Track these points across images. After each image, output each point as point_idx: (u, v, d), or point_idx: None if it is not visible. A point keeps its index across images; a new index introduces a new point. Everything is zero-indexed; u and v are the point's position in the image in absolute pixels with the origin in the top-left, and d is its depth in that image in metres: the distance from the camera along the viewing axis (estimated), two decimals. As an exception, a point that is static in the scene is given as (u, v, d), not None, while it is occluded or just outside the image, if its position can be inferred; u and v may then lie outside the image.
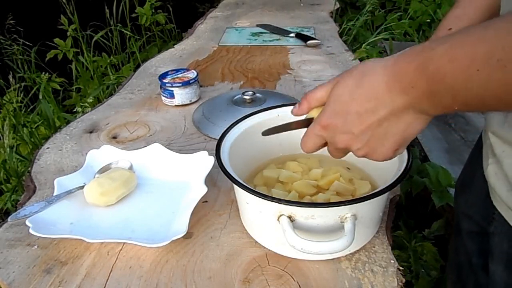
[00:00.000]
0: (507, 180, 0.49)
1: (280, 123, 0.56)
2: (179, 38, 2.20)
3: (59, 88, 2.15)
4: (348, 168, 0.70)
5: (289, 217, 0.53)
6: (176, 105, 1.04)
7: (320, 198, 0.63)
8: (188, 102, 1.04)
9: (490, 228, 0.54)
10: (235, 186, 0.58)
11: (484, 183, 0.54)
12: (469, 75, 0.35)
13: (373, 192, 0.54)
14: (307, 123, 0.52)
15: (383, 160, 0.48)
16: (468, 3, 0.63)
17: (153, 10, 2.41)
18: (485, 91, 0.35)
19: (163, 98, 1.05)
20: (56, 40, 2.18)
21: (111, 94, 1.24)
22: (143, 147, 0.79)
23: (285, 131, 0.55)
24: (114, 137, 0.93)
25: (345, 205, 0.52)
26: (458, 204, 0.69)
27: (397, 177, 0.55)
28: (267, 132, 0.56)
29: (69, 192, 0.68)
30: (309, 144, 0.50)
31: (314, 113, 0.51)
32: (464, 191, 0.66)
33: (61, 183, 0.70)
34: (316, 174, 0.68)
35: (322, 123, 0.48)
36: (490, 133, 0.53)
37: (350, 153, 0.71)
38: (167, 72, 1.07)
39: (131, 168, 0.76)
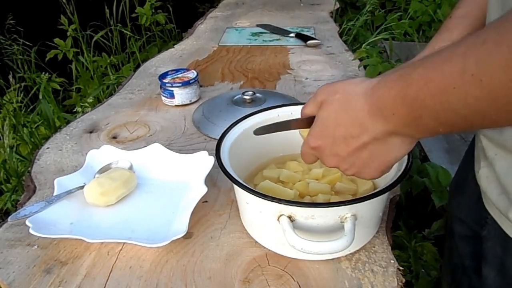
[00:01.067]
0: (499, 183, 0.48)
1: (274, 122, 0.57)
2: (179, 38, 2.20)
3: (59, 88, 2.16)
4: (348, 168, 0.70)
5: (289, 217, 0.53)
6: (176, 105, 1.04)
7: (320, 198, 0.63)
8: (188, 102, 1.04)
9: (483, 232, 0.54)
10: (235, 186, 0.58)
11: (476, 186, 0.54)
12: (447, 95, 0.34)
13: (373, 192, 0.54)
14: (299, 124, 0.53)
15: (370, 179, 0.49)
16: (471, 2, 0.63)
17: (153, 10, 2.41)
18: (467, 109, 0.34)
19: (163, 98, 1.05)
20: (56, 40, 2.18)
21: (111, 94, 1.24)
22: (143, 147, 0.79)
23: (278, 131, 0.56)
24: (114, 137, 0.93)
25: (345, 205, 0.52)
26: (451, 206, 0.69)
27: (397, 177, 0.55)
28: (259, 131, 0.57)
29: (69, 192, 0.68)
30: (307, 160, 0.52)
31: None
32: (456, 194, 0.66)
33: (61, 183, 0.70)
34: (317, 174, 0.68)
35: (311, 144, 0.49)
36: (481, 136, 0.52)
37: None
38: (167, 72, 1.07)
39: (131, 168, 0.76)
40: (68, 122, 1.04)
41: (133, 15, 2.41)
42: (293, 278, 0.56)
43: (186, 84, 1.02)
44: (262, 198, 0.53)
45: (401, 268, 0.57)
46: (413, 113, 0.38)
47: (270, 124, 0.56)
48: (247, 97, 0.95)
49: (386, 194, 0.57)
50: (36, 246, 0.63)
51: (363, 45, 1.61)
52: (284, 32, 1.57)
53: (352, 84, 0.45)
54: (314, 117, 0.51)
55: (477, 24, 0.61)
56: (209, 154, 0.73)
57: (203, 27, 1.74)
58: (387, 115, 0.41)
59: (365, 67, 1.23)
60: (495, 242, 0.51)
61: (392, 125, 0.41)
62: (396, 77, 0.40)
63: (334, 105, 0.45)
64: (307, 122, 0.52)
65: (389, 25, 2.16)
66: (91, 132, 0.95)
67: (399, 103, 0.39)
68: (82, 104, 1.85)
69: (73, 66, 2.25)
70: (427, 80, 0.36)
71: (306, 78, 1.18)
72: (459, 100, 0.34)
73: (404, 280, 0.56)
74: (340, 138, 0.45)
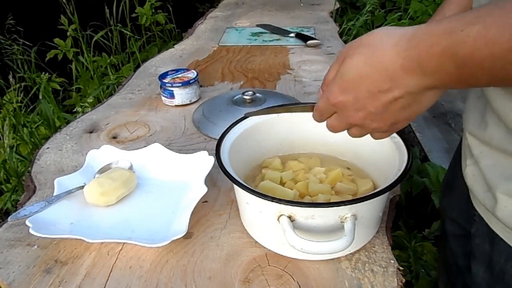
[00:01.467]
0: (485, 181, 0.49)
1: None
2: (179, 38, 2.20)
3: (59, 88, 2.16)
4: (348, 168, 0.70)
5: (289, 217, 0.53)
6: (176, 105, 1.04)
7: (320, 198, 0.63)
8: (188, 102, 1.04)
9: (472, 229, 0.54)
10: (235, 186, 0.58)
11: (465, 185, 0.54)
12: None
13: (373, 192, 0.54)
14: (295, 108, 0.53)
15: (395, 131, 0.48)
16: None
17: (153, 10, 2.41)
18: None
19: (163, 98, 1.05)
20: (56, 40, 2.18)
21: (111, 94, 1.24)
22: (143, 147, 0.79)
23: (269, 113, 0.54)
24: (114, 137, 0.92)
25: (345, 205, 0.52)
26: (442, 206, 0.69)
27: (397, 177, 0.55)
28: (251, 114, 0.56)
29: (69, 192, 0.68)
30: (324, 116, 0.49)
31: None
32: (447, 194, 0.66)
33: (61, 183, 0.70)
34: (318, 172, 0.68)
35: (331, 100, 0.46)
36: (467, 133, 0.52)
37: (351, 154, 0.72)
38: (167, 72, 1.07)
39: (131, 168, 0.76)
40: (68, 122, 1.04)
41: (133, 15, 2.41)
42: (293, 278, 0.56)
43: (186, 84, 1.02)
44: (262, 198, 0.53)
45: (401, 268, 0.57)
46: (464, 72, 0.36)
47: (263, 109, 0.55)
48: (247, 97, 0.94)
49: (386, 194, 0.57)
50: (36, 246, 0.63)
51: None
52: (284, 32, 1.57)
53: (377, 36, 0.41)
54: (311, 103, 0.50)
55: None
56: (209, 154, 0.73)
57: (203, 27, 1.74)
58: (428, 72, 0.38)
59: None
60: (483, 239, 0.52)
61: (433, 81, 0.39)
62: (441, 31, 0.36)
63: (356, 58, 0.42)
64: (303, 107, 0.52)
65: (389, 25, 2.16)
66: (91, 132, 0.95)
67: (446, 61, 0.36)
68: (82, 104, 1.85)
69: (73, 66, 2.25)
70: (488, 41, 0.33)
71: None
72: None
73: (404, 280, 0.56)
74: (366, 92, 0.42)
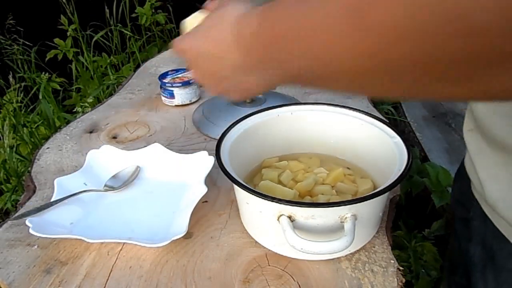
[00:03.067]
0: (472, 163, 0.49)
1: None
2: (179, 38, 2.19)
3: (59, 88, 2.16)
4: (348, 168, 0.70)
5: (289, 217, 0.53)
6: (176, 105, 1.04)
7: (320, 198, 0.63)
8: (188, 102, 1.04)
9: (470, 214, 0.54)
10: (235, 186, 0.58)
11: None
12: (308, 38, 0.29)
13: (373, 192, 0.54)
14: None
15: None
16: None
17: (153, 10, 2.41)
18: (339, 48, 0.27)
19: (163, 98, 1.05)
20: (56, 40, 2.18)
21: (111, 94, 1.24)
22: (143, 147, 0.79)
23: None
24: (114, 137, 0.92)
25: (345, 205, 0.52)
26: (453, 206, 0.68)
27: (397, 177, 0.55)
28: None
29: (75, 194, 0.68)
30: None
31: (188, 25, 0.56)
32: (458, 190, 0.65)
33: (61, 183, 0.70)
34: (320, 172, 0.68)
35: (178, 44, 0.48)
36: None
37: (350, 154, 0.72)
38: (167, 72, 1.07)
39: (138, 171, 0.75)
40: (68, 122, 1.04)
41: (133, 15, 2.41)
42: (293, 278, 0.56)
43: (186, 84, 1.02)
44: (262, 198, 0.53)
45: (401, 268, 0.57)
46: (268, 54, 0.34)
47: None
48: (247, 97, 0.95)
49: (386, 194, 0.57)
50: (36, 246, 0.63)
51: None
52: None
53: (233, 5, 0.41)
54: None
55: None
56: (209, 154, 0.73)
57: (203, 27, 1.73)
58: (243, 51, 0.38)
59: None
60: (480, 221, 0.51)
61: (247, 62, 0.38)
62: (258, 11, 0.35)
63: (211, 19, 0.44)
64: None
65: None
66: (91, 132, 0.95)
67: (254, 41, 0.35)
68: (82, 104, 1.85)
69: (73, 66, 2.25)
70: (284, 17, 0.31)
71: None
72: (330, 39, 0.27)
73: (404, 280, 0.56)
74: (205, 51, 0.44)
